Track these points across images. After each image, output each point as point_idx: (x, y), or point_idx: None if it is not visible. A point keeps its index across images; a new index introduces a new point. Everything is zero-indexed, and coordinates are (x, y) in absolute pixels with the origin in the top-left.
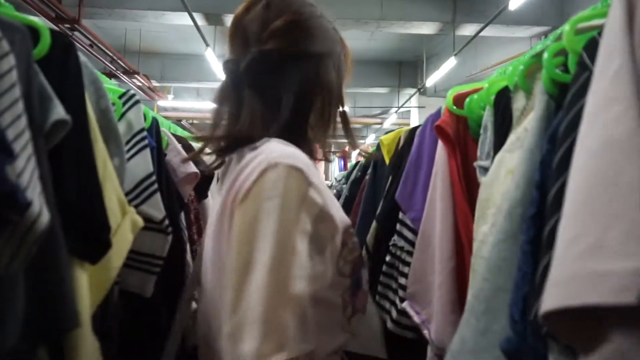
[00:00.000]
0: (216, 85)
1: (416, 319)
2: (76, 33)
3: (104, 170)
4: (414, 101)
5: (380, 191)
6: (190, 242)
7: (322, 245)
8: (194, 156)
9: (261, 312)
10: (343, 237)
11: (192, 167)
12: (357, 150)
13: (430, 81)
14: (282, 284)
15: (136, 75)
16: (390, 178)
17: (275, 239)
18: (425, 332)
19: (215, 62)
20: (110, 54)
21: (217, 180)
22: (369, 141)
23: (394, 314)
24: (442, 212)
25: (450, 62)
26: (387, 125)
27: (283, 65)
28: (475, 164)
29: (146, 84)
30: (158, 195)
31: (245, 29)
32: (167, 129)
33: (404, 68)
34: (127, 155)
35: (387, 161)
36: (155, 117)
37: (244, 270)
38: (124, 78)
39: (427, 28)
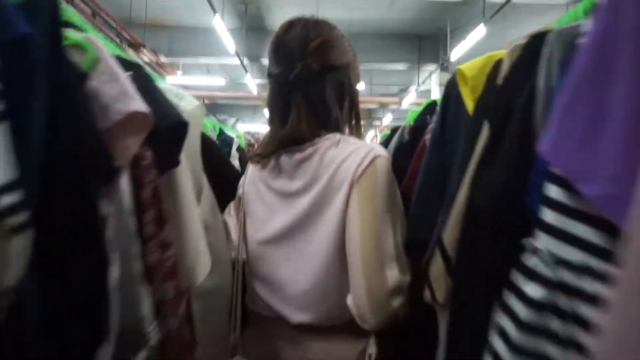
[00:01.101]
0: (227, 60)
1: None
2: (76, 0)
3: None
4: (434, 78)
5: (456, 156)
6: (144, 235)
7: None
8: (257, 154)
9: (394, 253)
10: None
11: (137, 104)
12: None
13: (456, 54)
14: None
15: (143, 50)
16: (487, 131)
17: (389, 206)
18: None
19: (225, 34)
20: (115, 25)
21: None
22: (385, 122)
23: None
24: None
25: (480, 31)
26: (405, 105)
27: (323, 75)
28: None
29: (154, 59)
30: None
31: (287, 46)
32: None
33: (425, 42)
34: None
35: (469, 107)
36: None
37: (373, 228)
38: (129, 53)
39: None
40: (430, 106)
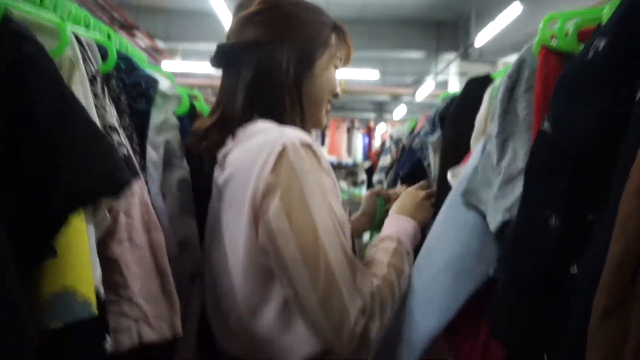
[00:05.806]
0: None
1: None
2: None
3: None
4: (453, 68)
5: None
6: None
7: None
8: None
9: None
10: None
11: None
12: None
13: (483, 38)
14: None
15: (137, 33)
16: None
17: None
18: None
19: (223, 10)
20: (103, 3)
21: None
22: (397, 116)
23: None
24: None
25: (514, 10)
26: (420, 96)
27: (240, 54)
28: None
29: (150, 43)
30: None
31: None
32: None
33: (443, 29)
34: None
35: None
36: None
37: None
38: (122, 35)
39: None
40: None
